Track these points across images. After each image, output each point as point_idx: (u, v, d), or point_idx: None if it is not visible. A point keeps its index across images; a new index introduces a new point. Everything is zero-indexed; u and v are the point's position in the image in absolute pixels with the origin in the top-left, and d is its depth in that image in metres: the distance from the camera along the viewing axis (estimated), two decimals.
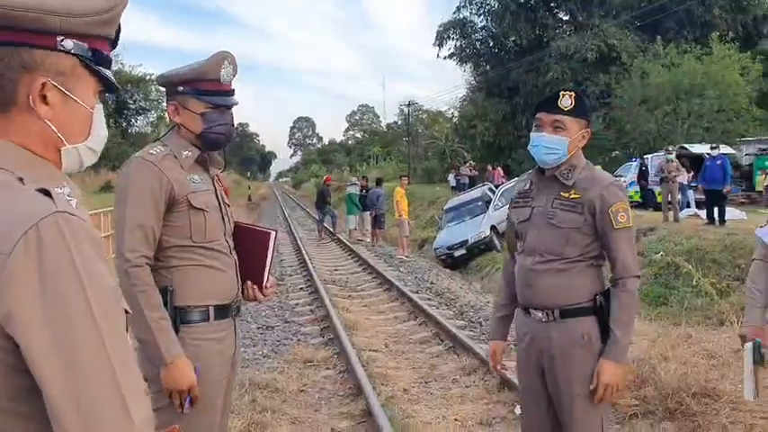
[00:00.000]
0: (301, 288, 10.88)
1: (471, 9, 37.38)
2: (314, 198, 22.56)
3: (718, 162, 13.33)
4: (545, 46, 33.49)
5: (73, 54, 1.04)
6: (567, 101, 2.32)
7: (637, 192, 19.45)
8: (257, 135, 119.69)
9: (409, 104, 47.91)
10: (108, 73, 1.12)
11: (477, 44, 38.23)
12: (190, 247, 2.16)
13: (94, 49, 1.07)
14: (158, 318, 2.03)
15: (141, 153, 2.16)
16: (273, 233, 2.42)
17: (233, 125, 2.32)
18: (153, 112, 39.64)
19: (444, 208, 20.25)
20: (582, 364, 2.32)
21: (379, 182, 18.24)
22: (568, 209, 2.33)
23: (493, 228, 16.63)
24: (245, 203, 35.81)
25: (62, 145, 1.07)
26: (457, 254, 16.64)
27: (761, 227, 2.70)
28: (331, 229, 19.53)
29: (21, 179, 0.98)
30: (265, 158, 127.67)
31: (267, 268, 2.38)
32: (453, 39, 38.02)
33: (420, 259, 15.81)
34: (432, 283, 11.25)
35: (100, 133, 1.14)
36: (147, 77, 39.59)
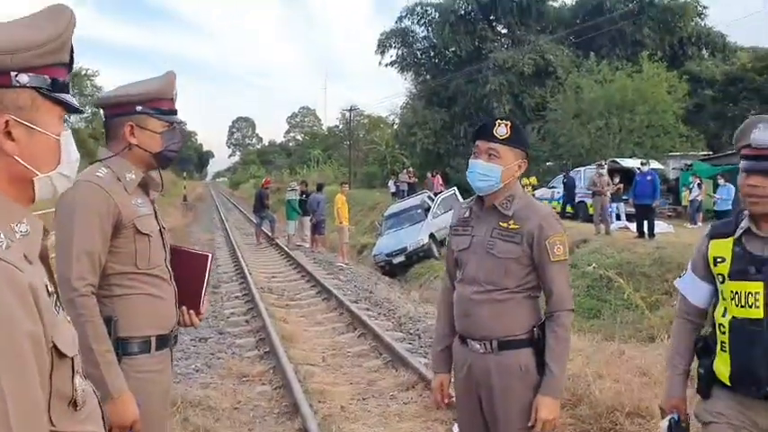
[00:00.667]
0: (237, 296, 10.64)
1: (413, 19, 37.84)
2: (252, 200, 22.09)
3: (648, 177, 13.82)
4: (484, 58, 34.13)
5: (30, 87, 1.06)
6: (502, 129, 2.33)
7: (567, 203, 19.91)
8: (195, 134, 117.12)
9: (351, 109, 47.92)
10: (68, 98, 1.13)
11: (418, 53, 38.65)
12: (133, 274, 2.11)
13: (52, 77, 1.09)
14: (105, 351, 1.96)
15: (87, 175, 2.08)
16: (210, 256, 2.39)
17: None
18: (88, 107, 38.34)
19: (384, 215, 20.29)
20: (520, 397, 2.32)
21: (320, 187, 18.06)
22: (507, 239, 2.33)
23: (431, 236, 16.79)
24: (181, 204, 34.90)
25: (33, 176, 1.08)
26: (396, 261, 16.70)
27: (681, 276, 2.42)
28: (270, 234, 19.15)
29: None
30: (203, 158, 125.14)
31: (204, 292, 2.34)
32: (395, 47, 38.40)
33: (359, 267, 15.75)
34: (371, 292, 11.20)
35: (71, 158, 1.16)
36: (83, 73, 38.11)
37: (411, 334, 7.97)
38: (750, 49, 34.55)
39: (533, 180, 22.96)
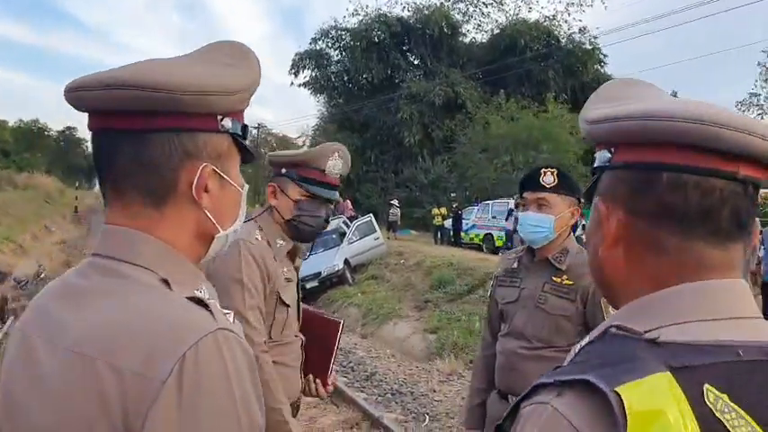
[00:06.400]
0: None
1: (327, 42, 37.91)
2: None
3: None
4: (396, 86, 34.66)
5: (229, 133, 0.94)
6: (549, 178, 2.28)
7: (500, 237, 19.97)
8: (86, 141, 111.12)
9: (258, 127, 47.19)
10: (249, 146, 0.99)
11: (332, 77, 38.67)
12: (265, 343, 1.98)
13: (243, 123, 0.97)
14: (286, 410, 1.89)
15: (245, 236, 1.96)
16: (342, 323, 2.25)
17: (327, 219, 2.15)
18: None
19: None
20: None
21: None
22: (561, 295, 2.25)
23: (346, 261, 16.64)
24: (72, 216, 32.83)
25: (216, 233, 0.96)
26: (309, 285, 16.37)
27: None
28: None
29: (165, 281, 0.86)
30: (93, 167, 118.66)
31: (332, 361, 2.20)
32: (309, 68, 38.23)
33: None
34: None
35: (244, 213, 1.04)
36: None
37: (344, 366, 7.80)
38: None
39: (443, 210, 23.38)
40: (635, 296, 0.77)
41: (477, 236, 21.06)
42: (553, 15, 35.95)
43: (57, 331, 0.84)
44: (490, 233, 20.34)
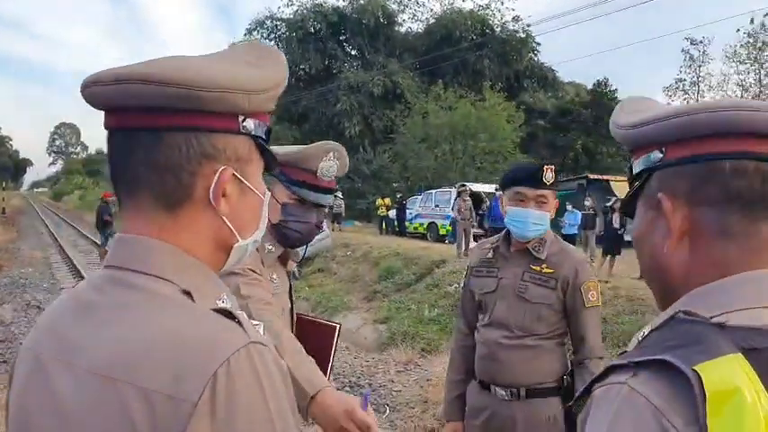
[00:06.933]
0: None
1: (262, 33, 37.31)
2: (82, 213, 20.15)
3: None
4: (334, 77, 34.46)
5: (251, 136, 0.87)
6: (550, 175, 2.26)
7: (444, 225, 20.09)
8: (10, 139, 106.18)
9: None
10: (273, 150, 0.92)
11: None
12: None
13: (268, 127, 0.90)
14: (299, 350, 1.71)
15: None
16: (338, 327, 2.11)
17: (318, 226, 1.98)
18: None
19: None
20: None
21: None
22: (541, 283, 2.26)
23: None
24: None
25: (235, 242, 0.89)
26: None
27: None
28: None
29: (188, 293, 0.80)
30: (19, 166, 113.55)
31: (330, 366, 2.06)
32: None
33: None
34: None
35: (265, 222, 0.97)
36: None
37: None
38: (573, 84, 38.23)
39: (387, 201, 23.42)
40: (697, 286, 0.78)
41: (421, 225, 21.21)
42: (487, 4, 36.49)
43: (74, 352, 0.77)
44: (434, 222, 20.51)
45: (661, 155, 0.81)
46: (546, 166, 2.27)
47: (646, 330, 0.79)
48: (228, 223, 0.86)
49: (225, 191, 0.84)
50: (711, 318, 0.72)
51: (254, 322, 0.84)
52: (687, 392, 0.64)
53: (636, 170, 0.85)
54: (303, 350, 1.67)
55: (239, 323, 0.77)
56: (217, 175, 0.83)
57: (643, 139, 0.83)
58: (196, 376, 0.70)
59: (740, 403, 0.63)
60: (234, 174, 0.85)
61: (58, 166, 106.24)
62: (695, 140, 0.77)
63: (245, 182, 0.87)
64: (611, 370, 0.72)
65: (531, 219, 2.27)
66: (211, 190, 0.83)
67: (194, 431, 0.69)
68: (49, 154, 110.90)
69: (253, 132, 0.86)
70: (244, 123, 0.85)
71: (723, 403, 0.63)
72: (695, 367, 0.64)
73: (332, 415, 1.50)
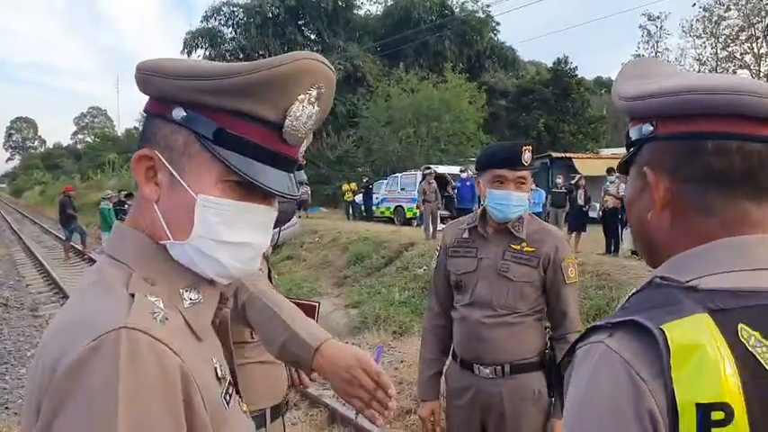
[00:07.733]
0: None
1: (220, 19, 36.69)
2: (43, 208, 19.60)
3: (468, 183, 14.75)
4: None
5: (187, 128, 0.86)
6: (528, 156, 2.26)
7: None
8: None
9: None
10: (238, 159, 0.85)
11: (227, 55, 37.47)
12: (245, 343, 1.82)
13: (220, 125, 0.85)
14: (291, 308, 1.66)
15: None
16: (318, 305, 2.09)
17: (292, 212, 2.02)
18: None
19: None
20: (533, 421, 2.29)
21: (131, 196, 16.60)
22: (522, 262, 2.28)
23: None
24: None
25: (166, 239, 0.87)
26: None
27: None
28: (80, 248, 16.85)
29: (145, 279, 0.84)
30: None
31: None
32: (202, 47, 36.90)
33: None
34: None
35: (222, 236, 0.87)
36: None
37: None
38: (534, 63, 38.50)
39: (354, 186, 23.37)
40: (678, 253, 0.83)
41: (387, 209, 21.26)
42: None
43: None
44: (401, 205, 20.57)
45: (652, 128, 0.84)
46: (524, 147, 2.27)
47: (630, 293, 0.85)
48: (159, 212, 0.87)
49: (156, 178, 0.87)
50: (686, 282, 0.78)
51: (161, 312, 0.81)
52: (654, 349, 0.70)
53: (631, 138, 0.88)
54: (302, 312, 1.58)
55: (139, 310, 0.78)
56: (138, 153, 0.87)
57: (638, 111, 0.86)
58: (70, 353, 0.73)
59: (702, 358, 0.69)
60: (162, 160, 0.86)
61: (16, 161, 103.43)
62: (683, 118, 0.81)
63: (175, 174, 0.86)
64: (591, 330, 0.79)
65: (512, 201, 2.27)
66: (132, 167, 0.88)
67: (51, 392, 0.73)
68: (6, 149, 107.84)
69: (186, 124, 0.85)
70: (173, 111, 0.86)
71: (686, 358, 0.69)
72: (662, 326, 0.71)
73: (342, 362, 1.34)
